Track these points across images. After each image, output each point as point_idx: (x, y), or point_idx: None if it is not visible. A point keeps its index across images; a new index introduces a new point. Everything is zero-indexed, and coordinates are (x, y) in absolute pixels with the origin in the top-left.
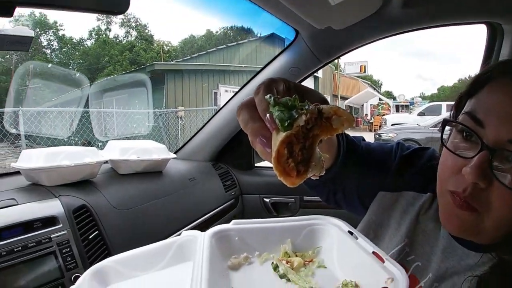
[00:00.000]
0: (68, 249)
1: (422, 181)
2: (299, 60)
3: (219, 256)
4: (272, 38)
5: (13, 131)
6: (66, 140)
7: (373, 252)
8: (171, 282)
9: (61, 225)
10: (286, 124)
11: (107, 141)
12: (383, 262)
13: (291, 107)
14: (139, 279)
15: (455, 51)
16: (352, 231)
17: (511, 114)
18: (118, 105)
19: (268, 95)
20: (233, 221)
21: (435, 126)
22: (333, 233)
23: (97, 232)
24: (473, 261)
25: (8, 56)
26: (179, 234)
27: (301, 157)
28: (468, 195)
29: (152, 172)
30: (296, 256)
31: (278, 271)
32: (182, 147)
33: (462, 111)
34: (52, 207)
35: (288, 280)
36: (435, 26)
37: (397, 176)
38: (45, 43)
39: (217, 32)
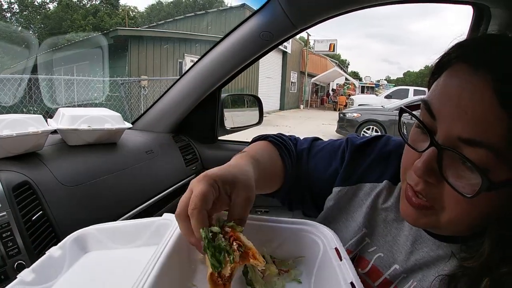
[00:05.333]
0: (9, 233)
1: (378, 170)
2: (272, 24)
3: (189, 246)
4: (243, 8)
5: None
6: (25, 111)
7: (351, 283)
8: (141, 261)
9: (0, 206)
10: (216, 270)
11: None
12: None
13: (221, 250)
14: (115, 252)
15: (424, 38)
16: (339, 249)
17: (464, 108)
18: (79, 72)
19: (204, 233)
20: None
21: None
22: (320, 246)
23: (41, 212)
24: (444, 252)
25: None
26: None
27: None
28: (420, 190)
29: (105, 143)
30: (274, 262)
31: (248, 276)
32: (140, 117)
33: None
34: None
35: None
36: (421, 0)
37: (351, 169)
38: (5, 6)
39: None
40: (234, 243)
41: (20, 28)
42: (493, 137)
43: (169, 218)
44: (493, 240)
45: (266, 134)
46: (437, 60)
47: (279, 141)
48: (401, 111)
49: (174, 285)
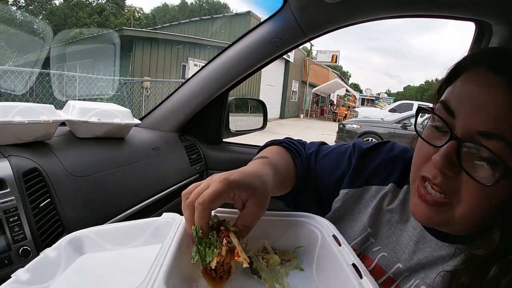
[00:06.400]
0: (16, 217)
1: (383, 174)
2: (284, 31)
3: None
4: (248, 15)
5: None
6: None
7: (353, 264)
8: (139, 260)
9: (8, 190)
10: (204, 263)
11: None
12: (361, 277)
13: (211, 245)
14: (112, 253)
15: (425, 53)
16: (336, 235)
17: (482, 105)
18: (82, 69)
19: (194, 231)
20: (218, 209)
21: (398, 122)
22: (318, 235)
23: (49, 200)
24: (446, 252)
25: None
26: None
27: (222, 270)
28: (438, 183)
29: (113, 138)
30: (276, 253)
31: (253, 266)
32: (147, 115)
33: (439, 100)
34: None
35: (260, 277)
36: (426, 15)
37: (358, 172)
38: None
39: (191, 3)
40: (224, 240)
41: (39, 17)
42: (508, 131)
43: (170, 217)
44: (502, 230)
45: (278, 140)
46: (453, 67)
47: (292, 147)
48: (419, 110)
49: (184, 275)
